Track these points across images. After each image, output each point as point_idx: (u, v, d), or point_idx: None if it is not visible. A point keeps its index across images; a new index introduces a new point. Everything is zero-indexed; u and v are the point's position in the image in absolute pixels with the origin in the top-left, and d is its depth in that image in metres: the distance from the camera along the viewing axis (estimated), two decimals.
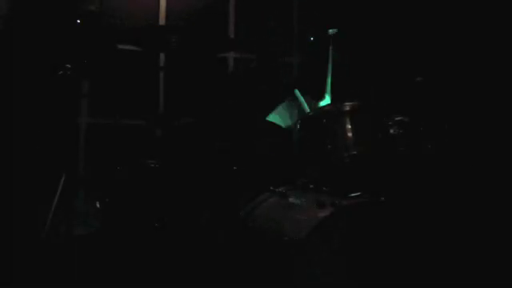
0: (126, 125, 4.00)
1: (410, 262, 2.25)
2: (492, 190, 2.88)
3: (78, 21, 3.46)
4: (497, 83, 3.01)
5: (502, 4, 3.02)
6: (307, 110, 3.21)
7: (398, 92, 3.11)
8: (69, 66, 3.06)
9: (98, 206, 3.03)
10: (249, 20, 4.61)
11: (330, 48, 3.36)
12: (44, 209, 3.10)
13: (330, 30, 3.35)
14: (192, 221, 2.98)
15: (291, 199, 2.59)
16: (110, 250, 2.88)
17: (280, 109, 3.39)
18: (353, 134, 2.55)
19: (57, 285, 2.82)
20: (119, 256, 2.84)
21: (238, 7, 4.66)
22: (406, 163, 2.60)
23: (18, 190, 3.22)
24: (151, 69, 4.33)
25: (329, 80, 3.33)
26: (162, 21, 4.47)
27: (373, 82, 3.49)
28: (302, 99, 3.23)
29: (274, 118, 3.36)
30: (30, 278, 2.84)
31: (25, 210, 3.18)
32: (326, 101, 3.30)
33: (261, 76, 3.76)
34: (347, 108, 2.60)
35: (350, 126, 2.57)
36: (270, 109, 3.52)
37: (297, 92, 3.25)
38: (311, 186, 2.63)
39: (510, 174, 2.88)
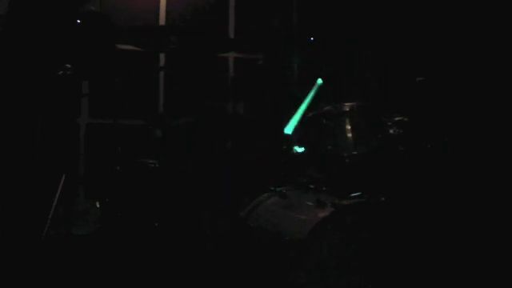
0: (126, 125, 4.00)
1: (409, 262, 2.25)
2: (492, 189, 2.88)
3: (78, 21, 3.45)
4: (497, 83, 3.01)
5: (501, 4, 3.01)
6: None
7: (397, 92, 3.11)
8: (69, 66, 3.06)
9: (97, 205, 3.03)
10: (249, 20, 4.61)
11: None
12: (44, 209, 3.09)
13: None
14: (192, 221, 2.98)
15: (291, 199, 2.59)
16: (110, 249, 2.88)
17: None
18: (353, 134, 2.55)
19: (57, 284, 2.82)
20: (119, 256, 2.84)
21: (238, 7, 4.67)
22: (405, 163, 2.60)
23: (18, 189, 3.22)
24: (151, 69, 4.34)
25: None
26: (162, 21, 4.47)
27: (373, 82, 3.50)
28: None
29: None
30: (30, 277, 2.83)
31: (25, 210, 3.18)
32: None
33: (266, 75, 3.75)
34: (347, 108, 2.60)
35: (349, 126, 2.57)
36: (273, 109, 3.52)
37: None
38: (311, 186, 2.63)
39: (510, 173, 2.88)
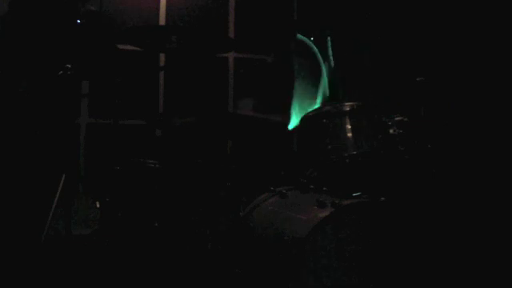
0: (126, 125, 4.00)
1: (409, 262, 2.25)
2: (492, 189, 2.88)
3: (78, 21, 3.46)
4: (497, 83, 3.01)
5: (501, 4, 3.02)
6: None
7: (397, 92, 3.11)
8: (69, 66, 3.06)
9: (97, 206, 3.03)
10: (249, 20, 4.62)
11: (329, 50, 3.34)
12: (44, 209, 3.10)
13: None
14: (192, 221, 2.98)
15: (291, 199, 2.59)
16: (110, 249, 2.88)
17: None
18: (353, 134, 2.55)
19: (57, 285, 2.82)
20: (119, 256, 2.84)
21: (238, 7, 4.67)
22: (405, 163, 2.60)
23: (18, 189, 3.22)
24: (151, 69, 4.34)
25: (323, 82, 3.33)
26: (162, 21, 4.47)
27: (373, 81, 3.50)
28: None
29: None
30: (30, 277, 2.84)
31: (25, 210, 3.18)
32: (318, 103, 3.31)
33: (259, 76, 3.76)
34: (347, 108, 2.60)
35: (349, 126, 2.57)
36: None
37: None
38: (311, 186, 2.63)
39: (509, 173, 2.88)
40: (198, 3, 4.56)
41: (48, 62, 3.34)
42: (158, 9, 4.48)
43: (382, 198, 2.30)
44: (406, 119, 2.61)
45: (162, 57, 4.46)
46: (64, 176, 3.12)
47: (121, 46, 3.64)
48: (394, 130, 2.58)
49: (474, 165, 2.94)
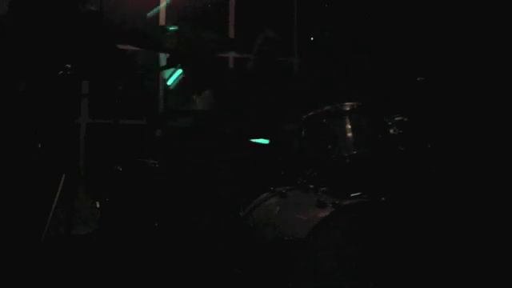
0: (126, 125, 4.00)
1: (409, 262, 2.25)
2: (492, 189, 2.88)
3: (78, 21, 3.46)
4: (497, 83, 3.01)
5: (501, 4, 3.01)
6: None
7: (397, 92, 3.11)
8: (69, 66, 3.06)
9: (97, 205, 3.03)
10: (249, 20, 4.61)
11: None
12: (44, 209, 3.09)
13: None
14: (192, 221, 2.98)
15: (291, 199, 2.59)
16: (110, 249, 2.88)
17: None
18: (353, 134, 2.56)
19: (57, 285, 2.82)
20: (119, 256, 2.84)
21: (238, 7, 4.67)
22: (406, 163, 2.60)
23: (18, 189, 3.22)
24: (151, 69, 4.34)
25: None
26: (162, 21, 4.47)
27: (373, 81, 3.50)
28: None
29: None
30: (30, 278, 2.83)
31: (25, 210, 3.18)
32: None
33: (259, 76, 3.77)
34: (347, 108, 2.60)
35: (350, 126, 2.57)
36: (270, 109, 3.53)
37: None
38: (311, 186, 2.63)
39: (509, 173, 2.88)
40: (197, 3, 4.56)
41: (48, 62, 3.34)
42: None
43: (382, 198, 2.30)
44: (405, 119, 2.61)
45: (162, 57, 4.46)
46: (64, 176, 3.11)
47: (121, 46, 3.64)
48: (394, 130, 2.58)
49: (473, 165, 2.93)
